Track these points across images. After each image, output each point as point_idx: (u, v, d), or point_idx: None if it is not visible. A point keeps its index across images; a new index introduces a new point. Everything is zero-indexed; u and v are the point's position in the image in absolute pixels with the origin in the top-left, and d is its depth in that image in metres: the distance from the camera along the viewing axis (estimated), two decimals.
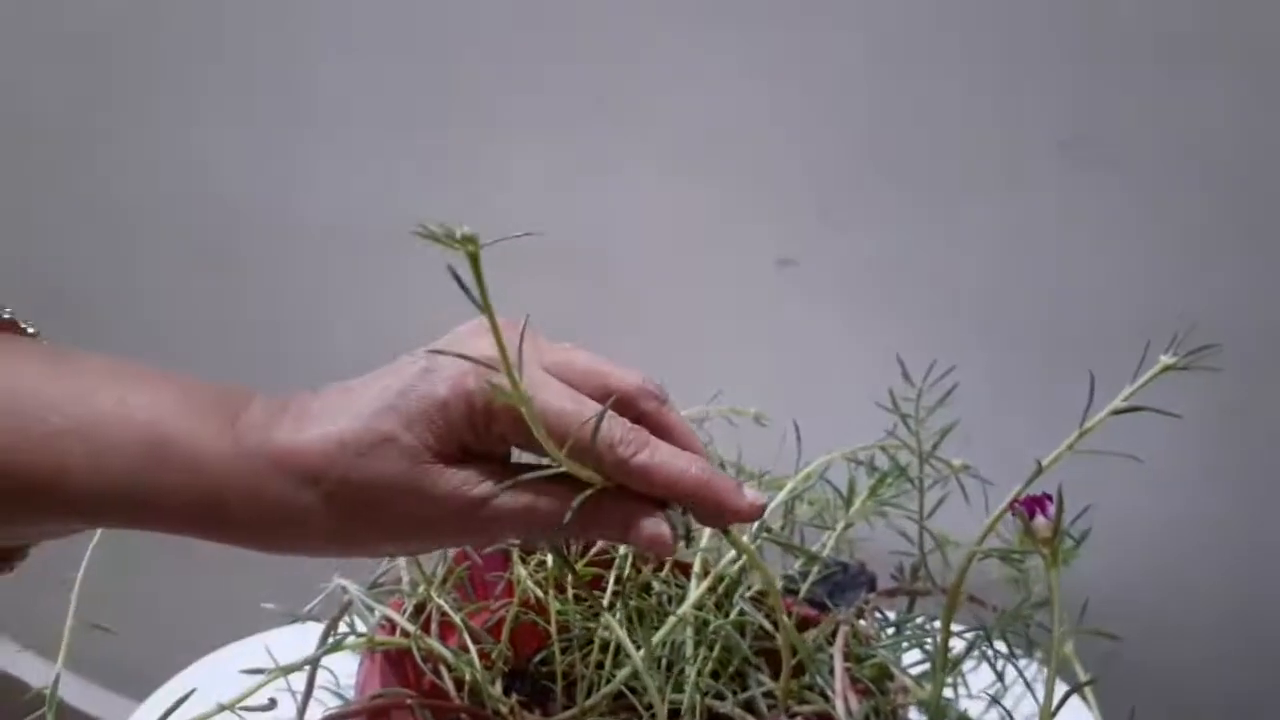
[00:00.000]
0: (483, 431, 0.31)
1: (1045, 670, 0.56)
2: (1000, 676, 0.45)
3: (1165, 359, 0.32)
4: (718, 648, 0.41)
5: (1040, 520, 0.30)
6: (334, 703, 0.51)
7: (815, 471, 0.46)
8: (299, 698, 0.52)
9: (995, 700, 0.39)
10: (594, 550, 0.49)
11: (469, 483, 0.31)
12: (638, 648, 0.37)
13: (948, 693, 0.44)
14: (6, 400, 0.30)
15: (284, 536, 0.32)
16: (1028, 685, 0.40)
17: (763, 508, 0.33)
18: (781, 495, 0.45)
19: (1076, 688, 0.31)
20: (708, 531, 0.48)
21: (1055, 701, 0.29)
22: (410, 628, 0.43)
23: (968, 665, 0.47)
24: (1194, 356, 0.32)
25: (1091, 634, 0.31)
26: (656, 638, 0.40)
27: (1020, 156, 0.64)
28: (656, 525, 0.32)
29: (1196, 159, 0.61)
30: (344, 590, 0.43)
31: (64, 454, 0.30)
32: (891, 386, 0.49)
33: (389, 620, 0.46)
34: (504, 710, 0.45)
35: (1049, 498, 0.31)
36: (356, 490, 0.30)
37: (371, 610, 0.43)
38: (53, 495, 0.30)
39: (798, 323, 0.73)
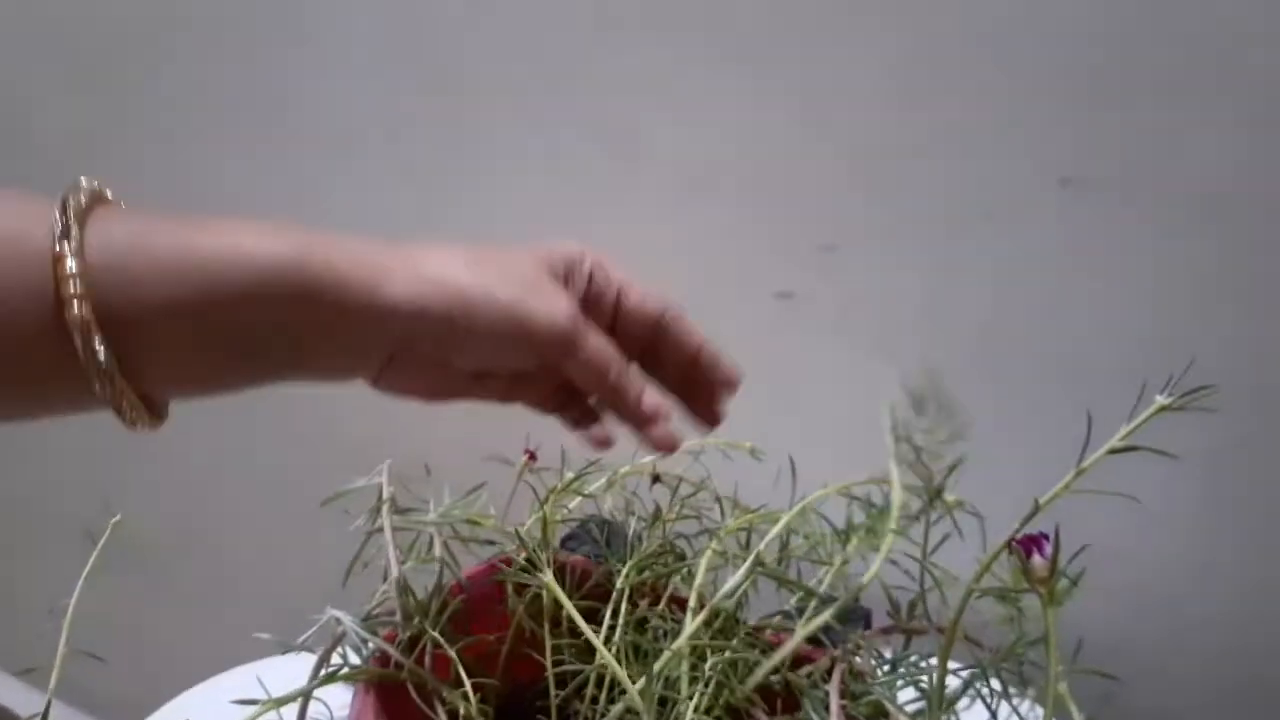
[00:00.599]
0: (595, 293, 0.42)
1: (1041, 710, 0.56)
2: (994, 715, 0.45)
3: (1161, 399, 0.32)
4: (713, 683, 0.40)
5: (1037, 559, 0.30)
6: None
7: (809, 506, 0.46)
8: None
9: None
10: (589, 583, 0.48)
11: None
12: (634, 682, 0.36)
13: None
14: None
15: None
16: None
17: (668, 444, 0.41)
18: (775, 529, 0.45)
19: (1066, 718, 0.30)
20: (703, 564, 0.48)
21: None
22: (403, 660, 0.43)
23: (962, 704, 0.47)
24: (1189, 398, 0.32)
25: (1087, 673, 0.31)
26: (654, 670, 0.40)
27: (1021, 192, 0.64)
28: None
29: (1197, 197, 0.61)
30: (337, 621, 0.43)
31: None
32: (898, 418, 0.49)
33: (382, 652, 0.46)
34: None
35: (1045, 537, 0.31)
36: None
37: (365, 642, 0.43)
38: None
39: (795, 356, 0.73)
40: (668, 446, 0.42)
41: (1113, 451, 0.31)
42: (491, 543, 0.53)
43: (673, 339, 0.45)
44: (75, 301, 0.30)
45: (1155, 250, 0.63)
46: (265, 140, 0.84)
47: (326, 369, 0.37)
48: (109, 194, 0.34)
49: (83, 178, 0.34)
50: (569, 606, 0.32)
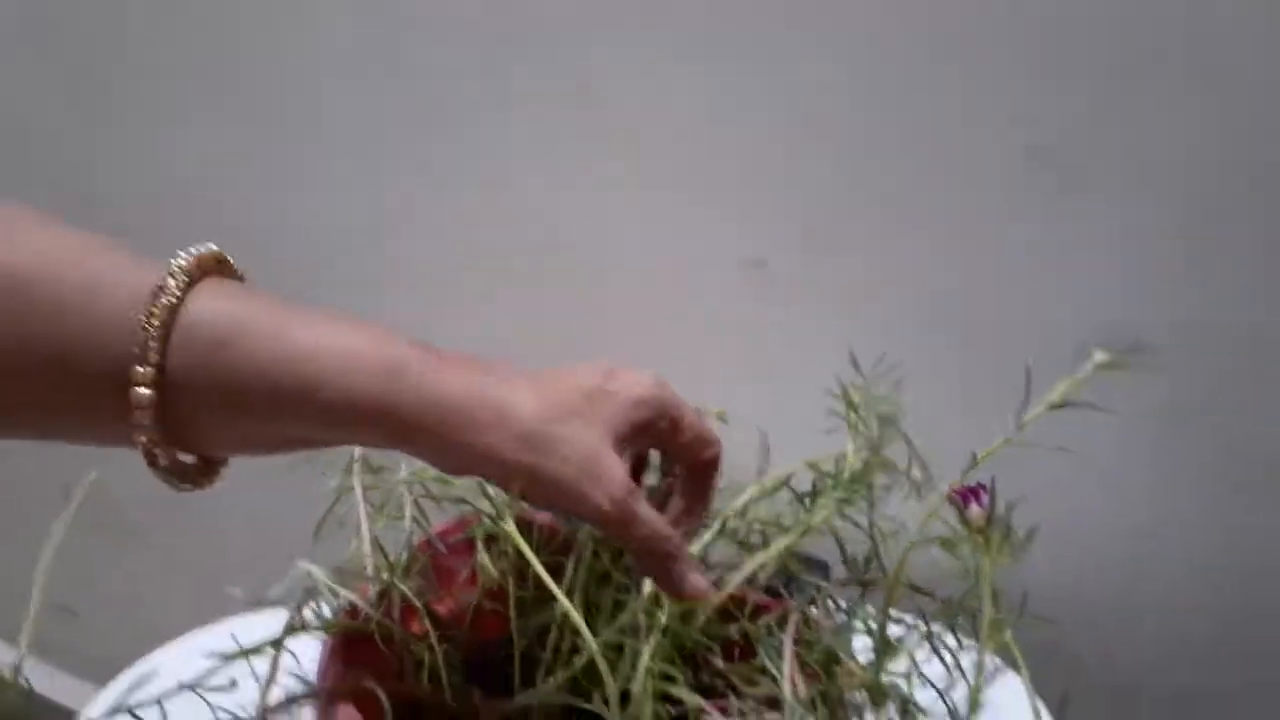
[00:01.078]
0: (659, 434, 0.40)
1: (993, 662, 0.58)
2: (945, 664, 0.47)
3: (1099, 357, 0.33)
4: (670, 633, 0.42)
5: (974, 508, 0.32)
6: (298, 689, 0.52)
7: (773, 485, 0.47)
8: (261, 686, 0.53)
9: (937, 689, 0.40)
10: (556, 541, 0.50)
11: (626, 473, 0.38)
12: (595, 633, 0.37)
13: (900, 682, 0.46)
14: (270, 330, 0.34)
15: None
16: (959, 667, 0.41)
17: (702, 594, 0.40)
18: (741, 499, 0.46)
19: (1012, 666, 0.32)
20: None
21: (984, 679, 0.31)
22: (371, 611, 0.44)
23: (922, 656, 0.48)
24: (1126, 356, 0.33)
25: (1029, 620, 0.32)
26: (616, 624, 0.41)
27: (987, 159, 0.65)
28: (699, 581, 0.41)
29: (1157, 166, 0.63)
30: (309, 575, 0.44)
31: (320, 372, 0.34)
32: (841, 377, 0.51)
33: (352, 606, 0.47)
34: (463, 696, 0.45)
35: (983, 488, 0.32)
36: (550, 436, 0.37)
37: (335, 595, 0.44)
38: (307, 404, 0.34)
39: (765, 323, 0.74)
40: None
41: (1051, 407, 0.33)
42: (464, 501, 0.54)
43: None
44: (142, 389, 0.32)
45: (1120, 218, 0.64)
46: (249, 128, 0.84)
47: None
48: (222, 258, 0.35)
49: (194, 247, 0.34)
50: (528, 553, 0.33)
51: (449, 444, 0.35)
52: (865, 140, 0.68)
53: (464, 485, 0.55)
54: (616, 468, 0.38)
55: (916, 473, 0.52)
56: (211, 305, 0.33)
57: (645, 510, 0.39)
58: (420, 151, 0.79)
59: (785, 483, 0.48)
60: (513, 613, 0.45)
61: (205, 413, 0.33)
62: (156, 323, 0.32)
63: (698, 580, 0.40)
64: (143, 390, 0.32)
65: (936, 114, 0.66)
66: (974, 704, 0.31)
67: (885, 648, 0.35)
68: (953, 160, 0.66)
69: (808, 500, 0.45)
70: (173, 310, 0.32)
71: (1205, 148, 0.61)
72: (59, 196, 0.85)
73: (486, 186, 0.78)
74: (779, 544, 0.43)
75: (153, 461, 0.34)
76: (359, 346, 0.34)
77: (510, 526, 0.33)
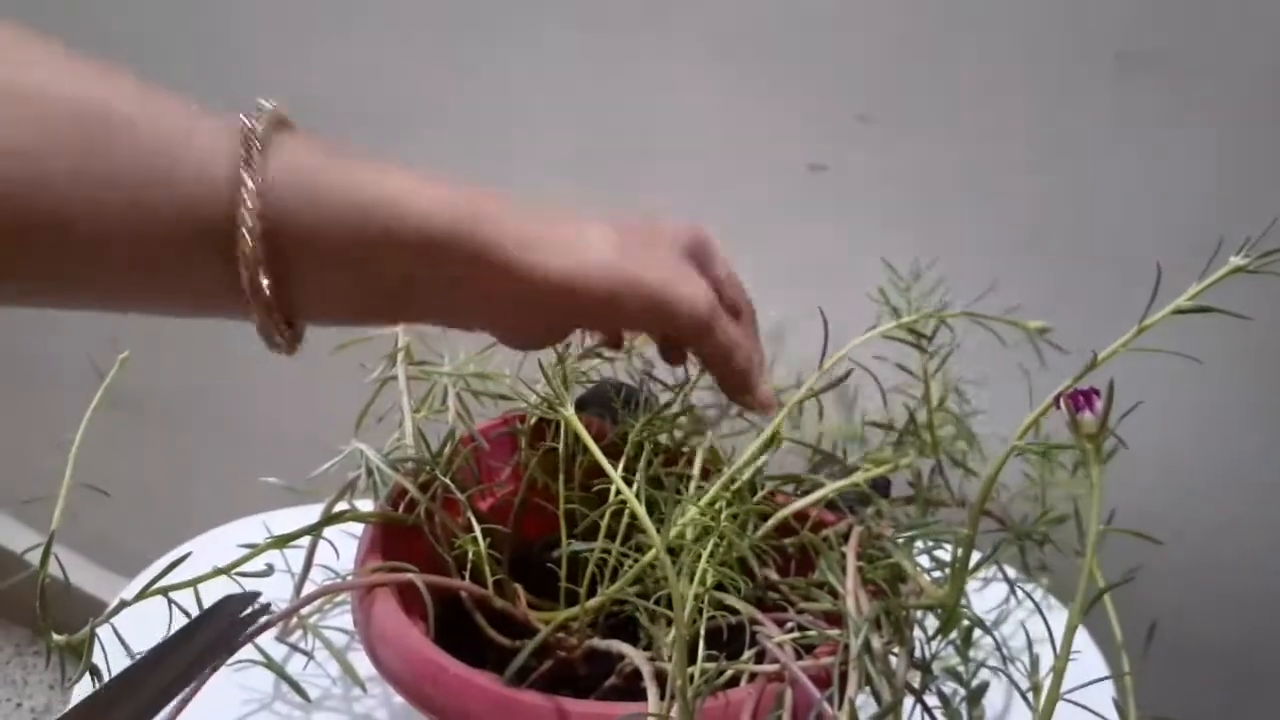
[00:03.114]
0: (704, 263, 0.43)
1: (1049, 597, 0.55)
2: (1013, 590, 0.44)
3: (1236, 260, 0.30)
4: (725, 540, 0.40)
5: (1087, 414, 0.29)
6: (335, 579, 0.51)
7: (832, 367, 0.44)
8: (297, 577, 0.51)
9: (982, 629, 0.37)
10: (604, 441, 0.47)
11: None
12: (658, 531, 0.35)
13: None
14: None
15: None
16: (1037, 606, 0.39)
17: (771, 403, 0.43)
18: (802, 392, 0.43)
19: (1106, 588, 0.29)
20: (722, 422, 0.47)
21: (1086, 601, 0.28)
22: (420, 496, 0.42)
23: (972, 586, 0.46)
24: (1269, 258, 0.30)
25: (1130, 535, 0.29)
26: (683, 521, 0.39)
27: (1074, 64, 0.61)
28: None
29: (1265, 71, 0.58)
30: (360, 454, 0.42)
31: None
32: (887, 283, 0.49)
33: (392, 497, 0.45)
34: (507, 592, 0.44)
35: (1096, 393, 0.29)
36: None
37: (382, 480, 0.42)
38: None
39: (828, 231, 0.70)
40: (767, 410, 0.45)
41: (1179, 311, 0.29)
42: (505, 398, 0.52)
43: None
44: (248, 236, 0.31)
45: (1217, 132, 0.60)
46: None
47: (470, 325, 0.38)
48: (287, 117, 0.34)
49: (262, 100, 0.33)
50: (589, 441, 0.31)
51: (530, 268, 0.35)
52: (941, 40, 0.63)
53: (508, 381, 0.53)
54: (698, 276, 0.40)
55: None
56: (300, 150, 0.33)
57: (727, 317, 0.41)
58: (468, 40, 0.75)
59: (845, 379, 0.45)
60: (561, 510, 0.43)
61: (303, 261, 0.32)
62: (255, 168, 0.31)
63: (768, 391, 0.43)
64: (247, 240, 0.31)
65: (1020, 14, 0.61)
66: (1069, 639, 0.28)
67: (965, 566, 0.33)
68: (1041, 62, 0.62)
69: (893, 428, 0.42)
70: (264, 156, 0.31)
71: None
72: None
73: (540, 82, 0.74)
74: (866, 472, 0.40)
75: (265, 313, 0.33)
76: (438, 185, 0.34)
77: (569, 411, 0.31)
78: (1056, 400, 0.30)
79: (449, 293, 0.35)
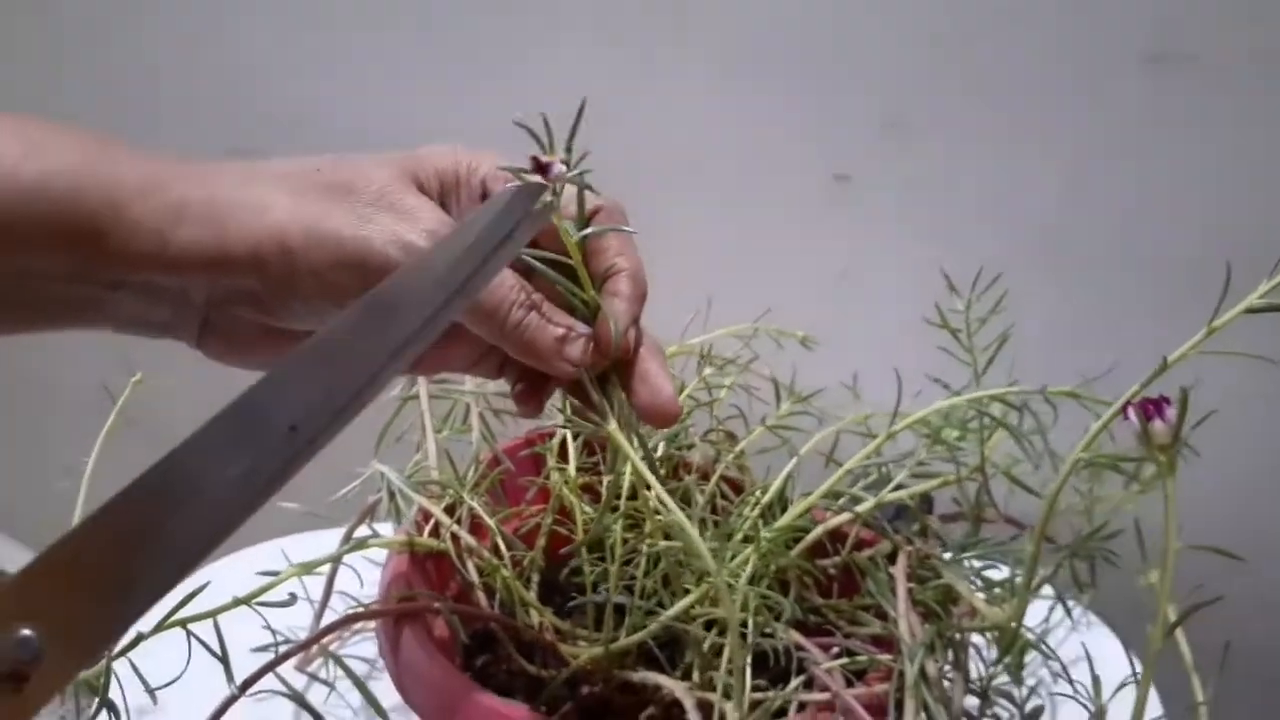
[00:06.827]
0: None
1: (1090, 614, 0.53)
2: (1067, 609, 0.42)
3: None
4: (766, 560, 0.38)
5: (1158, 423, 0.27)
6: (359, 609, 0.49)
7: (883, 442, 0.40)
8: (316, 605, 0.50)
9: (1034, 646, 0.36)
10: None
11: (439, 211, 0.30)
12: (684, 553, 0.33)
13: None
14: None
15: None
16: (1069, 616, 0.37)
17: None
18: (861, 454, 0.40)
19: (1186, 613, 0.28)
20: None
21: (1166, 625, 0.26)
22: (448, 520, 0.40)
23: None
24: None
25: (1207, 551, 0.28)
26: (740, 558, 0.37)
27: (1103, 69, 0.59)
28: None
29: None
30: (381, 476, 0.40)
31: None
32: (940, 302, 0.47)
33: (416, 521, 0.44)
34: (537, 622, 0.42)
35: (1168, 400, 0.28)
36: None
37: (406, 503, 0.40)
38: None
39: (852, 242, 0.69)
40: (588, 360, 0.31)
41: (1250, 311, 0.28)
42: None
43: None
44: None
45: (1250, 134, 0.58)
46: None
47: (129, 325, 0.30)
48: None
49: None
50: (639, 464, 0.28)
51: (176, 238, 0.26)
52: (968, 44, 0.62)
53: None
54: (420, 205, 0.29)
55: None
56: None
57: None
58: (484, 48, 0.74)
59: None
60: (608, 528, 0.40)
61: None
62: None
63: (574, 349, 0.30)
64: None
65: (1054, 19, 0.60)
66: (1150, 666, 0.26)
67: (1028, 586, 0.31)
68: (1070, 67, 0.61)
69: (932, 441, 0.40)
70: None
71: None
72: (91, 81, 0.81)
73: (557, 91, 0.73)
74: (916, 487, 0.38)
75: None
76: (44, 132, 0.27)
77: (614, 426, 0.29)
78: (1124, 408, 0.28)
79: (74, 289, 0.28)
